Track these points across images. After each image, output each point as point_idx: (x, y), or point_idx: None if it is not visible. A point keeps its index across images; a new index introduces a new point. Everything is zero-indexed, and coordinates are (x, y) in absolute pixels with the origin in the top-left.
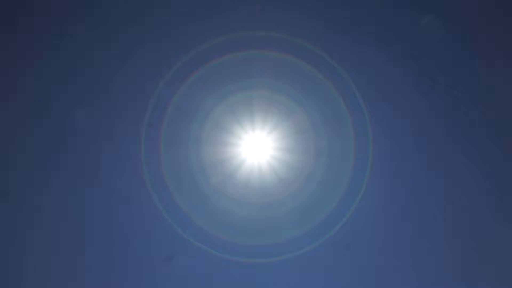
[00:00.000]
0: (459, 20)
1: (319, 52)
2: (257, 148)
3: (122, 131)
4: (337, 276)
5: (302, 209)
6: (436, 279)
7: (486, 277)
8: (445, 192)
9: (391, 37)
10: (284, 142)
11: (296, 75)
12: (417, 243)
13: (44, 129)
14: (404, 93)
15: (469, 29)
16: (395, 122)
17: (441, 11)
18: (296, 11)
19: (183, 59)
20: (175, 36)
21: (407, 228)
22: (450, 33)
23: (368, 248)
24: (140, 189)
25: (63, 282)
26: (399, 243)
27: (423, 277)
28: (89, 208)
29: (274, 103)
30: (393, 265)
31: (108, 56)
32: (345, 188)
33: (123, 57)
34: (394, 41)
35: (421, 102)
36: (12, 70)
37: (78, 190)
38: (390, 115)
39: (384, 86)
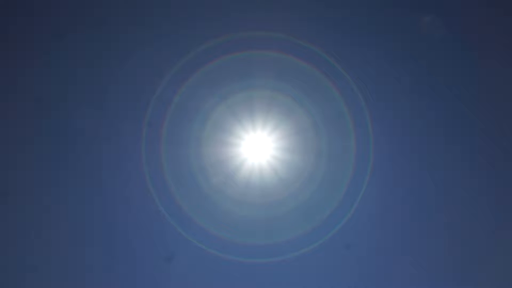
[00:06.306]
0: (459, 20)
1: (319, 52)
2: (257, 148)
3: (122, 131)
4: (337, 276)
5: (303, 209)
6: (436, 279)
7: (486, 277)
8: (445, 192)
9: (391, 37)
10: (285, 142)
11: (296, 75)
12: (417, 243)
13: (44, 129)
14: (404, 93)
15: (469, 29)
16: (395, 122)
17: (441, 11)
18: (296, 11)
19: (184, 59)
20: (175, 36)
21: (407, 228)
22: (450, 33)
23: (368, 248)
24: (140, 189)
25: (63, 282)
26: (399, 243)
27: (423, 277)
28: (89, 208)
29: (275, 103)
30: (393, 265)
31: (108, 56)
32: (346, 188)
33: (123, 57)
34: (394, 41)
35: (421, 102)
36: (12, 70)
37: (78, 190)
38: (390, 115)
39: (384, 86)
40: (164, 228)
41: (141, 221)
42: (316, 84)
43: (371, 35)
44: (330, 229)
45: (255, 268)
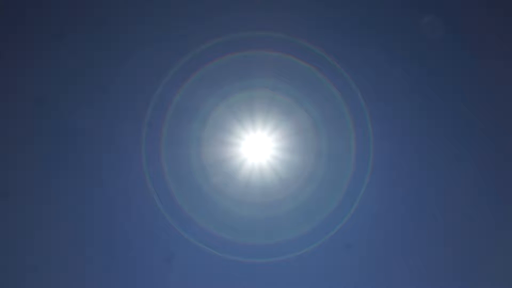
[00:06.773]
0: (459, 20)
1: (319, 52)
2: (257, 148)
3: (122, 131)
4: (337, 276)
5: (303, 209)
6: (436, 279)
7: (486, 277)
8: (445, 192)
9: (391, 37)
10: (285, 142)
11: (296, 75)
12: (417, 243)
13: (44, 129)
14: (404, 93)
15: (469, 29)
16: (395, 122)
17: (441, 11)
18: (296, 11)
19: (184, 59)
20: (175, 36)
21: (407, 227)
22: (450, 33)
23: (368, 248)
24: (140, 189)
25: (63, 282)
26: (399, 243)
27: (423, 277)
28: (89, 208)
29: (275, 103)
30: (393, 265)
31: (108, 56)
32: (346, 188)
33: (123, 57)
34: (394, 41)
35: (421, 102)
36: (12, 70)
37: (78, 190)
38: (390, 115)
39: (384, 86)
40: (164, 228)
41: (141, 221)
42: (316, 84)
43: (371, 35)
44: (330, 229)
45: (255, 268)
